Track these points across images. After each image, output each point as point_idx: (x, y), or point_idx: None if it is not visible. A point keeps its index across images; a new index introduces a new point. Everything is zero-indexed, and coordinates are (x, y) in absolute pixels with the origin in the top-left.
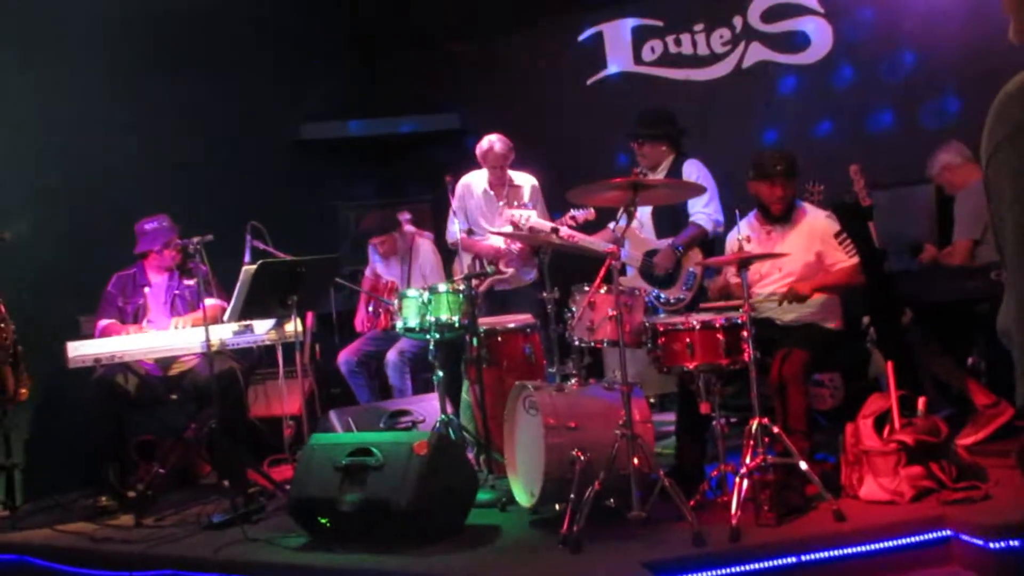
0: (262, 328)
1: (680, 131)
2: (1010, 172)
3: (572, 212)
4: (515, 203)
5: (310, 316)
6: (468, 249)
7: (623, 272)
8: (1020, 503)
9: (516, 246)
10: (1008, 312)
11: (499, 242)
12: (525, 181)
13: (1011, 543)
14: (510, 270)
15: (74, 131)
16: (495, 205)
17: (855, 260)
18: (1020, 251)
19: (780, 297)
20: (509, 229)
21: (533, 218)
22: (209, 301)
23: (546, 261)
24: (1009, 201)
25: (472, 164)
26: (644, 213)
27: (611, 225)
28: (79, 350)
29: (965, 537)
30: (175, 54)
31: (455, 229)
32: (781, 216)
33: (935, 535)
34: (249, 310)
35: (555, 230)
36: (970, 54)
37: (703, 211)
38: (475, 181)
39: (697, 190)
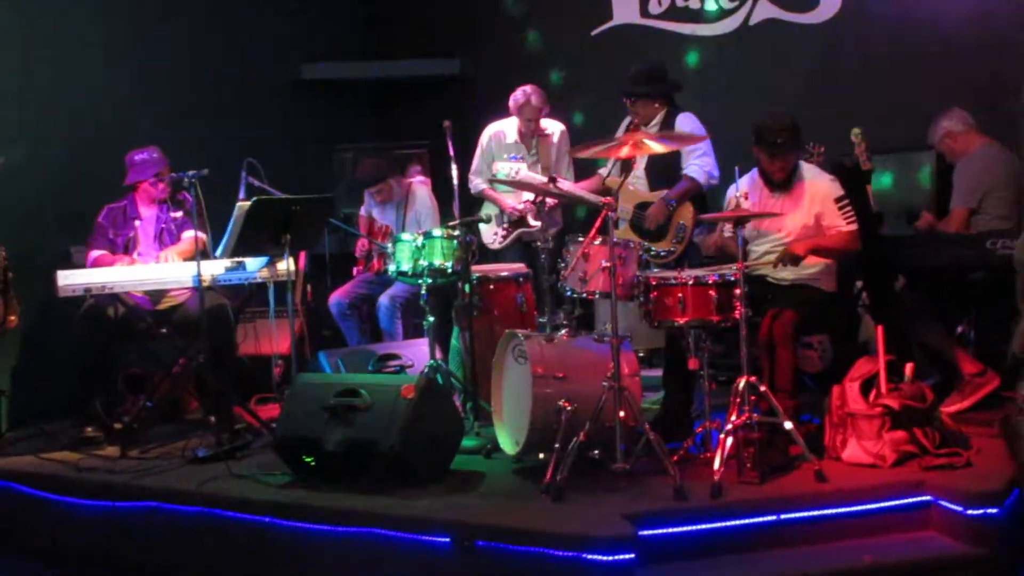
0: (254, 265)
1: (674, 86)
2: None
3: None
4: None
5: (303, 256)
6: (493, 201)
7: (615, 224)
8: (1000, 472)
9: (550, 201)
10: None
11: (523, 197)
12: (555, 128)
13: (989, 511)
14: (538, 223)
15: (70, 62)
16: (525, 155)
17: (853, 227)
18: None
19: (775, 259)
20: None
21: (523, 171)
22: (192, 233)
23: (543, 211)
24: None
25: (472, 111)
26: (638, 165)
27: (601, 171)
28: (69, 279)
29: (944, 503)
30: None
31: (479, 180)
32: (782, 183)
33: (915, 500)
34: (242, 247)
35: (552, 179)
36: (981, 31)
37: (696, 162)
38: (506, 129)
39: (690, 139)
